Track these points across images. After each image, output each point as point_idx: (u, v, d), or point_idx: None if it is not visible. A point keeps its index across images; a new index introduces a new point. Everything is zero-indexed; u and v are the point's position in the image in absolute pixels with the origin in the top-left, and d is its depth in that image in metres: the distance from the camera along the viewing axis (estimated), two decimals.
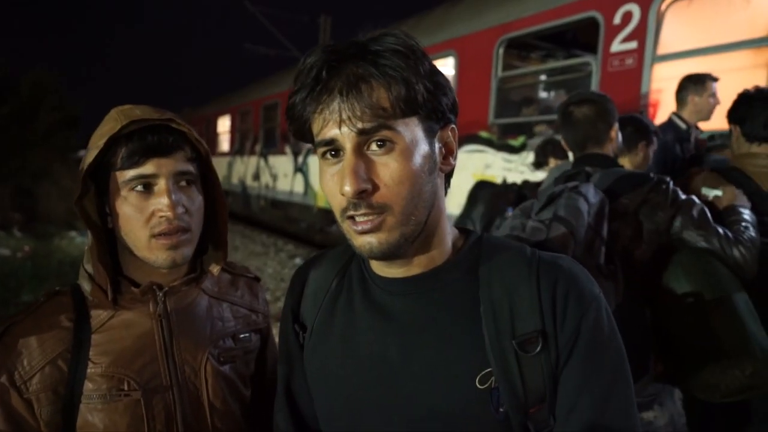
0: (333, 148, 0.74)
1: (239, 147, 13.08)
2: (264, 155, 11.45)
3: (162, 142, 0.98)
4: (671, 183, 1.83)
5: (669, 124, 3.28)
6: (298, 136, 0.81)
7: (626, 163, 2.46)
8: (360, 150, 0.73)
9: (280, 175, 10.61)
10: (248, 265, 8.70)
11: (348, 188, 0.71)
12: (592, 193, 1.75)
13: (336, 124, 0.72)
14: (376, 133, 0.72)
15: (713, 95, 3.19)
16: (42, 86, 14.01)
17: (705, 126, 3.41)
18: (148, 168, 0.98)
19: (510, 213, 2.95)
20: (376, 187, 0.73)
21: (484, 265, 0.82)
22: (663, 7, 3.80)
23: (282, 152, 10.48)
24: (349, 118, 0.71)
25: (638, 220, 1.81)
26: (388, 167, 0.73)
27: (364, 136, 0.72)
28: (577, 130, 1.99)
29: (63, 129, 14.12)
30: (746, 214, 1.88)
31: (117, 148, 0.98)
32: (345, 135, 0.72)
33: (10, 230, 9.95)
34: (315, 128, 0.76)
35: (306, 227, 10.61)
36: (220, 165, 14.63)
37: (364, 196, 0.72)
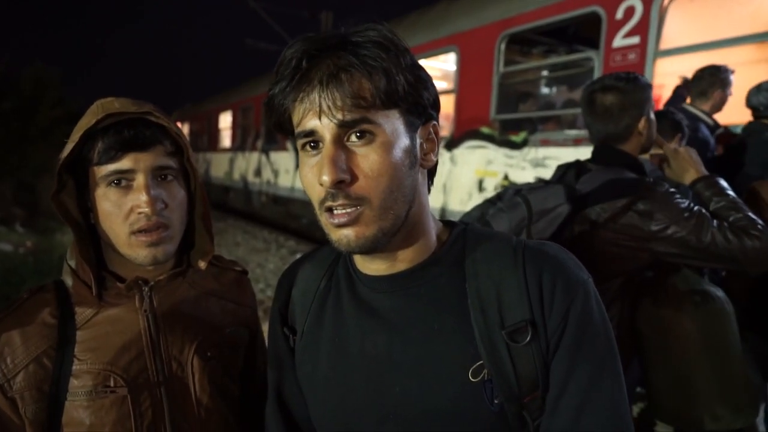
0: (313, 140, 0.74)
1: (241, 143, 13.07)
2: (265, 151, 11.44)
3: (139, 136, 0.97)
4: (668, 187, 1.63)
5: (695, 117, 3.09)
6: (278, 127, 0.79)
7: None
8: (339, 141, 0.72)
9: (282, 171, 10.60)
10: (249, 260, 8.72)
11: (326, 178, 0.70)
12: (543, 197, 1.67)
13: (315, 115, 0.71)
14: (357, 125, 0.71)
15: (730, 88, 3.14)
16: (42, 82, 14.02)
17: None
18: (125, 163, 0.96)
19: None
20: (354, 179, 0.72)
21: (469, 257, 0.81)
22: (665, 2, 3.78)
23: (283, 148, 10.46)
24: (329, 109, 0.70)
25: (606, 233, 1.63)
26: (367, 159, 0.72)
27: (343, 128, 0.71)
28: (599, 122, 1.76)
29: (63, 124, 14.12)
30: None
31: (94, 143, 0.96)
32: (325, 126, 0.71)
33: (12, 225, 9.96)
34: (295, 119, 0.75)
35: (307, 223, 10.61)
36: (221, 161, 14.63)
37: (342, 186, 0.71)
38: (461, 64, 5.70)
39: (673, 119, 2.45)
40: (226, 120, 14.50)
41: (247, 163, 12.69)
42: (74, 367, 0.98)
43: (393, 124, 0.74)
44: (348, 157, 0.72)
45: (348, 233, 0.74)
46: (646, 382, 1.83)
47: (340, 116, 0.70)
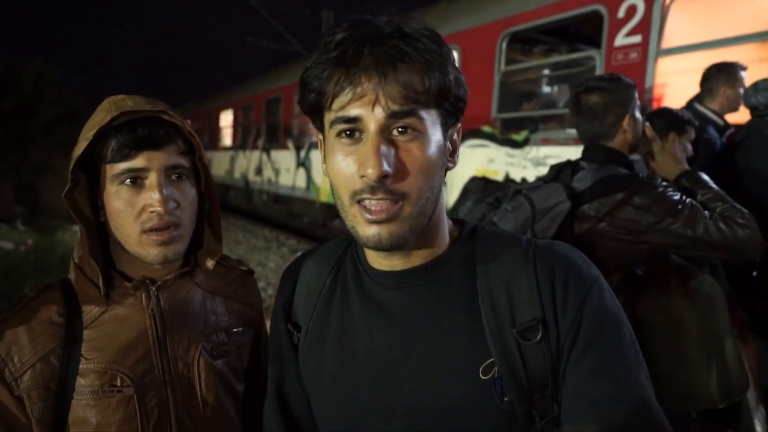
0: (353, 128, 0.71)
1: (242, 141, 13.06)
2: (266, 150, 11.43)
3: (153, 135, 0.96)
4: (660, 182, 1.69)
5: (703, 117, 3.00)
6: (311, 111, 0.77)
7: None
8: (384, 132, 0.70)
9: (283, 169, 10.59)
10: (250, 259, 8.72)
11: (372, 171, 0.68)
12: (545, 195, 1.71)
13: (366, 103, 0.69)
14: (405, 118, 0.70)
15: (743, 84, 3.03)
16: (42, 81, 14.04)
17: None
18: (138, 161, 0.96)
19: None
20: (397, 173, 0.70)
21: (480, 255, 0.81)
22: (667, 1, 3.77)
23: (284, 147, 10.46)
24: (384, 98, 0.68)
25: (605, 227, 1.67)
26: (410, 154, 0.71)
27: (391, 120, 0.70)
28: (585, 122, 1.83)
29: (64, 123, 14.14)
30: None
31: (107, 141, 0.96)
32: (374, 114, 0.69)
33: (13, 224, 9.97)
34: (336, 103, 0.71)
35: (308, 222, 10.60)
36: (222, 159, 14.62)
37: (385, 180, 0.69)
38: (462, 62, 5.69)
39: (668, 117, 2.43)
40: (227, 118, 14.49)
41: (248, 162, 12.68)
42: (81, 366, 0.98)
43: (434, 122, 0.74)
44: (392, 151, 0.70)
45: (381, 230, 0.72)
46: (651, 369, 1.86)
47: (395, 107, 0.69)
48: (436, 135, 0.74)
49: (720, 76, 3.06)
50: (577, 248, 0.83)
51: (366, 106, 0.69)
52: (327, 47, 0.71)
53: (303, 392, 0.93)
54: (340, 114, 0.71)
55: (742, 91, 3.03)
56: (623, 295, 1.77)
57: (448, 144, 0.79)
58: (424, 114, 0.71)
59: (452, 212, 3.75)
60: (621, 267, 1.75)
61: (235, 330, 1.15)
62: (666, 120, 2.40)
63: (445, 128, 0.77)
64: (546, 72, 6.37)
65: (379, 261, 0.84)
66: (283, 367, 0.96)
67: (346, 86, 0.70)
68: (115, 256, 1.06)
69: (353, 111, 0.70)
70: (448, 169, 0.81)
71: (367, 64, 0.69)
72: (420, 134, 0.72)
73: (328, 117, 0.74)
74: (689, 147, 2.44)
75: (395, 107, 0.69)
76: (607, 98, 1.78)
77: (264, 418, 0.99)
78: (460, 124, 0.82)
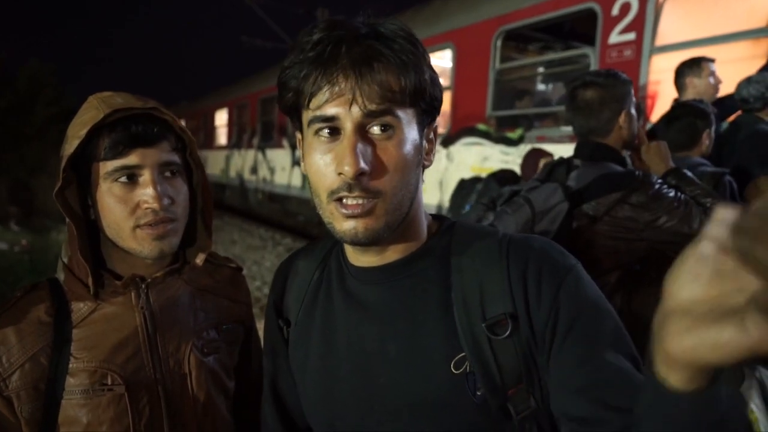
0: (331, 126, 0.72)
1: (236, 140, 13.04)
2: (261, 149, 11.41)
3: (147, 132, 0.96)
4: (656, 179, 1.70)
5: None
6: (290, 110, 0.78)
7: (695, 155, 2.40)
8: (361, 131, 0.71)
9: (278, 168, 10.58)
10: (246, 258, 8.71)
11: (348, 168, 0.69)
12: (544, 197, 1.72)
13: (343, 102, 0.70)
14: (382, 116, 0.71)
15: (712, 74, 3.06)
16: (38, 80, 13.99)
17: None
18: (132, 159, 0.95)
19: (468, 208, 2.99)
20: (373, 171, 0.72)
21: (455, 250, 0.82)
22: None
23: (279, 146, 10.44)
24: (361, 97, 0.69)
25: (604, 226, 1.68)
26: (387, 152, 0.72)
27: (368, 118, 0.71)
28: (580, 117, 1.83)
29: (59, 123, 14.08)
30: None
31: (99, 138, 0.95)
32: (351, 113, 0.70)
33: (8, 224, 9.93)
34: (314, 102, 0.72)
35: (304, 220, 10.59)
36: (217, 158, 14.59)
37: (361, 178, 0.70)
38: (457, 60, 5.70)
39: (702, 116, 2.42)
40: (221, 117, 14.46)
41: (243, 161, 12.66)
42: (71, 366, 0.97)
43: (410, 121, 0.75)
44: (369, 149, 0.72)
45: (357, 225, 0.73)
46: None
47: (372, 106, 0.70)
48: (412, 134, 0.75)
49: (684, 69, 3.13)
50: (575, 248, 0.83)
51: (343, 105, 0.70)
52: (304, 47, 0.72)
53: (295, 386, 0.94)
54: (318, 113, 0.72)
55: (712, 80, 3.07)
56: (620, 293, 1.77)
57: (425, 143, 0.81)
58: (400, 113, 0.73)
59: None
60: (619, 266, 1.76)
61: (224, 327, 1.15)
62: (703, 120, 2.41)
63: (422, 127, 0.78)
64: (541, 69, 6.38)
65: (356, 258, 0.86)
66: (276, 362, 0.98)
67: (323, 86, 0.71)
68: (106, 254, 1.05)
69: (331, 110, 0.71)
70: (424, 167, 0.82)
71: (344, 64, 0.70)
72: (396, 133, 0.73)
73: (306, 116, 0.75)
74: (713, 136, 2.46)
75: (372, 106, 0.70)
76: (603, 94, 1.77)
77: (261, 412, 1.00)
78: (436, 124, 0.83)
